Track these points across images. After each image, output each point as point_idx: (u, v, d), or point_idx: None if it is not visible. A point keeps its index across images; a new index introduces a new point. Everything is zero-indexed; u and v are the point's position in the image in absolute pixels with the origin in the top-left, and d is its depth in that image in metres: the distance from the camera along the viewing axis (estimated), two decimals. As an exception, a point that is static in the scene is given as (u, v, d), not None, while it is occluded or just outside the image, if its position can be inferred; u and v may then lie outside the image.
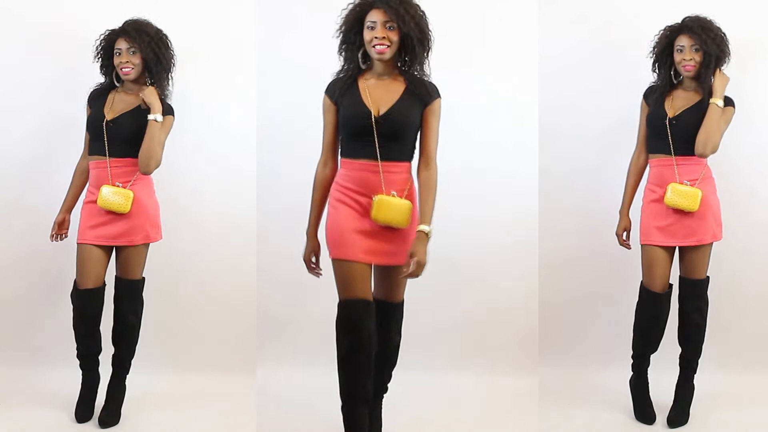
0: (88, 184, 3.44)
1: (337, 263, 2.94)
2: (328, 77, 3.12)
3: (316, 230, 3.08)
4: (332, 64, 3.59)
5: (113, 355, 3.50)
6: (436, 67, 3.68)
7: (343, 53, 3.02)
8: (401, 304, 3.14)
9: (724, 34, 3.37)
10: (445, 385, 3.80)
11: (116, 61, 3.35)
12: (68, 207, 3.53)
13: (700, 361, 3.50)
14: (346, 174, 2.98)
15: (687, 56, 3.36)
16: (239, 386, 3.73)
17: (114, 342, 3.48)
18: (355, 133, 2.94)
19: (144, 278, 3.48)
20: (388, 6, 2.87)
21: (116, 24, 3.40)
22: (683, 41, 3.38)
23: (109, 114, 3.37)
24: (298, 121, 3.74)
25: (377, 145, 2.92)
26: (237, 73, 3.84)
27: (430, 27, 2.99)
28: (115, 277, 3.45)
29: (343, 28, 2.99)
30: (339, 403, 3.06)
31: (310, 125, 3.66)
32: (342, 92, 2.98)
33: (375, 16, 2.90)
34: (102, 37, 3.39)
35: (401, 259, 2.95)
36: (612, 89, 3.83)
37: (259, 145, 3.81)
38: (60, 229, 3.53)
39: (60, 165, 3.72)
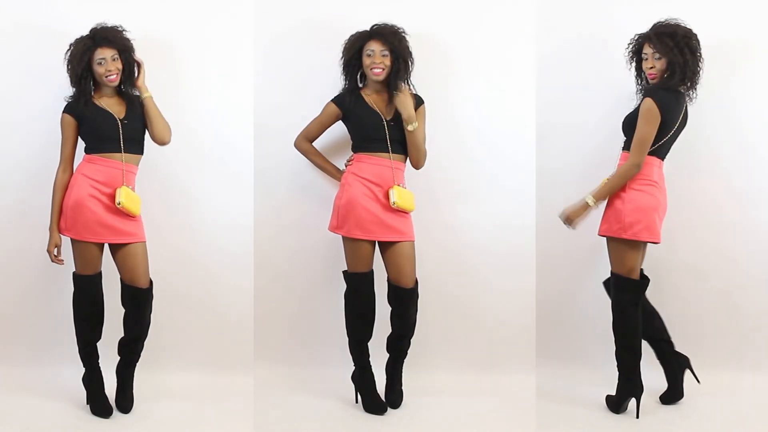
0: (88, 181, 3.38)
1: None
2: (325, 78, 3.63)
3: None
4: (329, 64, 3.65)
5: (123, 342, 3.51)
6: (434, 69, 3.74)
7: (345, 74, 3.56)
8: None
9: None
10: (443, 384, 3.80)
11: (101, 70, 3.37)
12: (58, 227, 3.46)
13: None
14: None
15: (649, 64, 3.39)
16: (237, 386, 3.72)
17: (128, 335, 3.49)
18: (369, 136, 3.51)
19: (152, 283, 3.49)
20: (384, 38, 3.47)
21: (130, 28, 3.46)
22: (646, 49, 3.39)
23: (118, 115, 3.42)
24: (295, 119, 3.73)
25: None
26: (233, 72, 3.83)
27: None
28: (126, 285, 3.44)
29: (345, 55, 3.53)
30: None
31: (306, 123, 3.71)
32: (352, 103, 3.52)
33: (373, 46, 3.48)
34: (81, 48, 3.36)
35: None
36: (608, 87, 3.80)
37: (255, 143, 3.80)
38: (59, 252, 3.45)
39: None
